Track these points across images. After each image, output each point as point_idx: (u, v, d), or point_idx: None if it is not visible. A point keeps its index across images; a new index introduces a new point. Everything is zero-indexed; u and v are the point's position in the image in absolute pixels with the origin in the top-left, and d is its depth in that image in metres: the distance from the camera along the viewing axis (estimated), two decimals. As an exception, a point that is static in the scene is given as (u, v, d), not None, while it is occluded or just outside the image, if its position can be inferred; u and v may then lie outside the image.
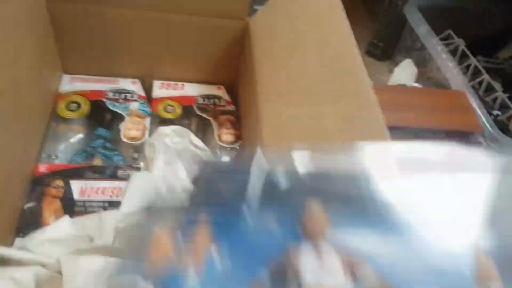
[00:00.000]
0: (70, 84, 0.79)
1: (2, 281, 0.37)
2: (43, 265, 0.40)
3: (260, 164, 0.27)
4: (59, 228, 0.49)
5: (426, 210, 0.26)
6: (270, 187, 0.27)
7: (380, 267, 0.23)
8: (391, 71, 1.02)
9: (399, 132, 0.79)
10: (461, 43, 1.00)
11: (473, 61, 0.97)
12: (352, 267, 0.23)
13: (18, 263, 0.40)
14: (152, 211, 0.29)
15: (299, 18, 0.65)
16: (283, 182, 0.27)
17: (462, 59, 0.99)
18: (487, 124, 0.81)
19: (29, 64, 0.65)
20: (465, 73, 0.96)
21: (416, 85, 0.94)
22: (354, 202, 0.26)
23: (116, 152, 0.71)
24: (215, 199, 0.27)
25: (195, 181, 0.30)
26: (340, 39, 0.58)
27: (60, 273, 0.39)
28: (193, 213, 0.27)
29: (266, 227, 0.26)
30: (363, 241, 0.24)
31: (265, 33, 0.71)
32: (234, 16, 0.76)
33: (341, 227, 0.25)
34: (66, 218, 0.51)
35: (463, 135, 0.81)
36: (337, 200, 0.26)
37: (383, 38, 1.11)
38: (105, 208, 0.62)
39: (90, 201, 0.63)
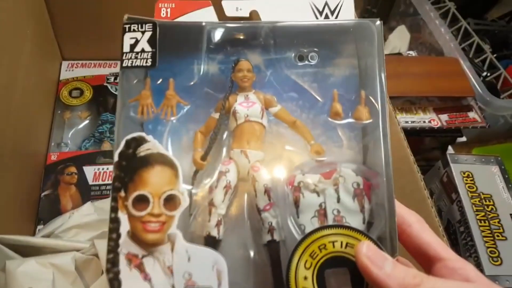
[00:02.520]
0: (70, 70, 0.79)
1: (44, 268, 0.40)
2: (78, 250, 0.43)
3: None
4: (83, 214, 0.51)
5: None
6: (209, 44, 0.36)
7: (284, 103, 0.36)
8: (385, 38, 1.03)
9: (395, 100, 0.81)
10: (451, 6, 1.01)
11: (463, 23, 0.99)
12: (267, 105, 0.36)
13: (54, 250, 0.43)
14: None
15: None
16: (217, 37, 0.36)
17: (453, 21, 1.01)
18: (478, 87, 0.84)
19: (30, 54, 0.65)
20: (456, 36, 0.98)
21: (411, 52, 0.96)
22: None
23: (123, 136, 0.73)
24: (175, 56, 0.35)
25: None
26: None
27: (96, 255, 0.42)
28: (161, 70, 0.35)
29: (213, 78, 0.36)
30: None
31: None
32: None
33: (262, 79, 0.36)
34: (88, 204, 0.53)
35: (455, 100, 0.84)
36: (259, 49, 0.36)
37: (377, 4, 1.12)
38: (120, 191, 0.65)
39: (105, 184, 0.66)
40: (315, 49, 0.36)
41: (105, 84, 0.78)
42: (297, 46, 0.36)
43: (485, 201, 0.71)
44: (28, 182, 0.63)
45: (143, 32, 0.34)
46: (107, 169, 0.67)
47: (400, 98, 0.80)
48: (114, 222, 0.30)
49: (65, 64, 0.80)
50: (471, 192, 0.72)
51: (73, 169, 0.67)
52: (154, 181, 0.31)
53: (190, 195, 0.33)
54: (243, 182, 0.35)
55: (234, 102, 0.35)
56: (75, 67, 0.80)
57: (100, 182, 0.66)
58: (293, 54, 0.36)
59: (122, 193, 0.30)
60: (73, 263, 0.41)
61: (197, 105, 0.35)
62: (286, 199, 0.34)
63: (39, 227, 0.61)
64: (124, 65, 0.33)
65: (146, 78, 0.34)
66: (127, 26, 0.34)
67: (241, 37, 0.36)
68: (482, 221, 0.69)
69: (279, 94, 0.36)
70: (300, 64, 0.36)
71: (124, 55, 0.34)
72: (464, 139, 0.91)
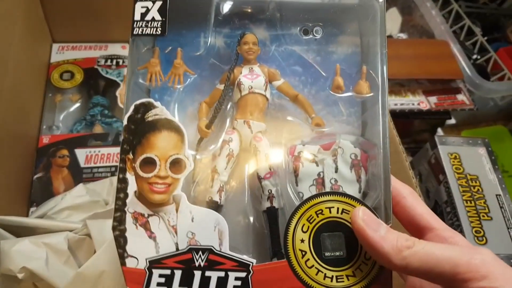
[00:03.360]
0: (60, 53, 0.79)
1: (38, 247, 0.41)
2: (70, 230, 0.44)
3: None
4: (75, 196, 0.52)
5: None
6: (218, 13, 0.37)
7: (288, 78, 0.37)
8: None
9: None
10: (443, -12, 1.01)
11: (454, 6, 0.99)
12: (271, 78, 0.37)
13: (47, 230, 0.44)
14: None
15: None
16: (225, 9, 0.36)
17: (444, 4, 1.01)
18: (467, 70, 0.85)
19: (21, 36, 0.65)
20: (447, 18, 0.98)
21: (402, 35, 0.96)
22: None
23: (115, 119, 0.73)
24: (184, 26, 0.36)
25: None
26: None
27: (88, 235, 0.43)
28: (169, 40, 0.35)
29: (220, 50, 0.37)
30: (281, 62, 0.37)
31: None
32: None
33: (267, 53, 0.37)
34: (80, 186, 0.54)
35: (444, 82, 0.85)
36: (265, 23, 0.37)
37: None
38: (112, 173, 0.66)
39: (97, 167, 0.66)
40: (317, 23, 0.37)
41: (95, 67, 0.78)
42: (302, 21, 0.37)
43: (472, 182, 0.72)
44: (20, 165, 0.63)
45: (153, 1, 0.35)
46: (99, 151, 0.68)
47: (390, 81, 0.81)
48: (122, 183, 0.32)
49: (55, 46, 0.79)
50: (458, 173, 0.73)
51: (65, 152, 0.67)
52: (161, 145, 0.33)
53: (194, 161, 0.34)
54: (245, 151, 0.36)
55: (239, 74, 0.36)
56: (66, 50, 0.79)
57: (92, 165, 0.66)
58: (298, 28, 0.37)
59: (130, 155, 0.32)
60: (66, 242, 0.42)
61: (202, 76, 0.36)
62: (286, 168, 0.35)
63: (31, 209, 0.62)
64: (134, 33, 0.34)
65: (155, 46, 0.35)
66: None
67: (249, 11, 0.36)
68: (468, 202, 0.70)
69: (282, 69, 0.37)
70: (305, 38, 0.37)
71: (135, 23, 0.34)
72: (453, 121, 0.93)
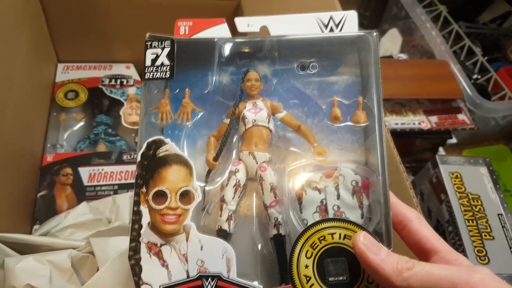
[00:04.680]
0: (65, 72, 0.80)
1: (41, 264, 0.41)
2: (74, 248, 0.44)
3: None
4: (79, 214, 0.52)
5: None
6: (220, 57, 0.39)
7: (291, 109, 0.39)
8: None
9: (386, 102, 0.83)
10: (443, 9, 1.03)
11: (455, 26, 1.01)
12: (274, 111, 0.39)
13: (50, 248, 0.44)
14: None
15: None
16: (227, 51, 0.39)
17: (444, 24, 1.02)
18: (467, 89, 0.86)
19: (26, 56, 0.66)
20: (447, 39, 1.00)
21: (402, 55, 0.98)
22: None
23: (118, 137, 0.74)
24: (191, 68, 0.39)
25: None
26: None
27: (91, 253, 0.43)
28: (178, 81, 0.38)
29: (225, 88, 0.39)
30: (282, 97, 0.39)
31: (258, 11, 0.74)
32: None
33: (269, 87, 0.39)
34: (83, 204, 0.55)
35: (445, 102, 0.86)
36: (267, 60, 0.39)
37: (370, 7, 1.13)
38: (115, 192, 0.66)
39: (100, 185, 0.67)
40: (313, 59, 0.39)
41: (99, 86, 0.79)
42: (299, 57, 0.39)
43: (473, 202, 0.72)
44: (24, 183, 0.64)
45: (162, 48, 0.38)
46: (102, 170, 0.68)
47: (390, 101, 0.82)
48: (137, 215, 0.34)
49: (60, 66, 0.81)
50: (459, 192, 0.73)
51: (68, 170, 0.68)
52: (172, 178, 0.35)
53: (204, 192, 0.36)
54: (251, 181, 0.38)
55: (243, 108, 0.38)
56: (71, 70, 0.81)
57: (95, 183, 0.67)
58: (295, 65, 0.39)
59: (144, 189, 0.34)
60: (69, 260, 0.42)
61: (210, 112, 0.39)
62: (290, 196, 0.37)
63: (35, 227, 0.62)
64: (146, 77, 0.37)
65: (165, 88, 0.38)
66: (148, 43, 0.38)
67: (248, 51, 0.39)
68: (470, 221, 0.70)
69: (285, 101, 0.39)
70: (302, 73, 0.39)
71: (146, 68, 0.37)
72: (454, 140, 0.93)
